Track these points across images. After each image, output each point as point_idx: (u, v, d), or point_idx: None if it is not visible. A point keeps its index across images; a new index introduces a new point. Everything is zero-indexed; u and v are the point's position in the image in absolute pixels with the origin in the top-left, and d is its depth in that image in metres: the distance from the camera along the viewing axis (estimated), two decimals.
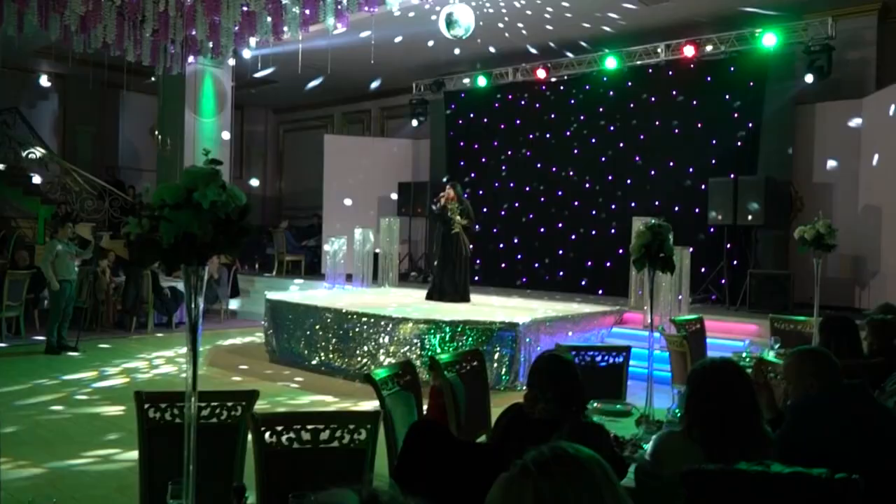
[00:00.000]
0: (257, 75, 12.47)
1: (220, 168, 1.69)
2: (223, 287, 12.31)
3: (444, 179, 9.55)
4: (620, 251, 9.91)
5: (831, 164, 9.75)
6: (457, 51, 11.45)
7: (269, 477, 2.57)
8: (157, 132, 13.64)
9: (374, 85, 14.62)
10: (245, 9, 8.74)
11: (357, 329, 7.83)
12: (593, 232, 11.55)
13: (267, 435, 2.56)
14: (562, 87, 12.11)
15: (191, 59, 11.39)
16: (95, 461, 5.03)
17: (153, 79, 11.34)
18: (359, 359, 7.74)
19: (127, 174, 15.24)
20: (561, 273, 11.85)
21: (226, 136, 13.38)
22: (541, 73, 11.92)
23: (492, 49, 11.99)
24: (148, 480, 2.82)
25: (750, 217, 9.28)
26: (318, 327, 8.23)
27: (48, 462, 4.90)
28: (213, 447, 2.85)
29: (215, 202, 1.62)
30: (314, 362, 8.21)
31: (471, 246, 9.57)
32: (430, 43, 11.31)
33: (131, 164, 15.47)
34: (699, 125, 10.61)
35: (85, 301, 10.52)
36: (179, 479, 1.93)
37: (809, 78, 9.45)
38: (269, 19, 9.07)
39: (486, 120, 13.00)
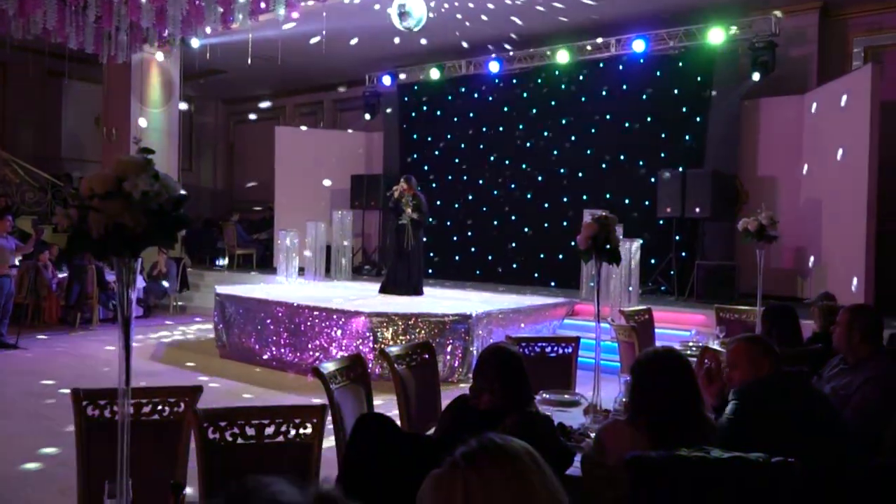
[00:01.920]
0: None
1: (152, 157, 1.63)
2: (172, 281, 12.06)
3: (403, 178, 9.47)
4: (572, 244, 10.00)
5: (775, 157, 10.00)
6: (409, 42, 11.38)
7: (213, 474, 2.52)
8: (101, 122, 13.26)
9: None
10: None
11: (309, 323, 7.75)
12: (546, 225, 11.64)
13: (210, 431, 2.50)
14: (514, 81, 12.16)
15: (146, 51, 11.09)
16: (36, 462, 4.87)
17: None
18: (311, 353, 7.67)
19: (70, 165, 14.78)
20: (514, 265, 11.92)
21: (174, 126, 13.09)
22: (493, 67, 11.93)
23: (445, 41, 11.95)
24: (87, 480, 2.74)
25: (697, 210, 9.46)
26: (269, 322, 8.12)
27: None
28: (155, 444, 2.79)
29: (147, 192, 1.56)
30: (265, 357, 8.11)
31: (424, 239, 9.55)
32: (385, 35, 11.21)
33: (75, 155, 15.00)
34: (649, 119, 10.78)
35: (26, 297, 10.19)
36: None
37: (755, 75, 9.69)
38: (218, 7, 8.89)
39: (439, 113, 12.98)
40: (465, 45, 12.10)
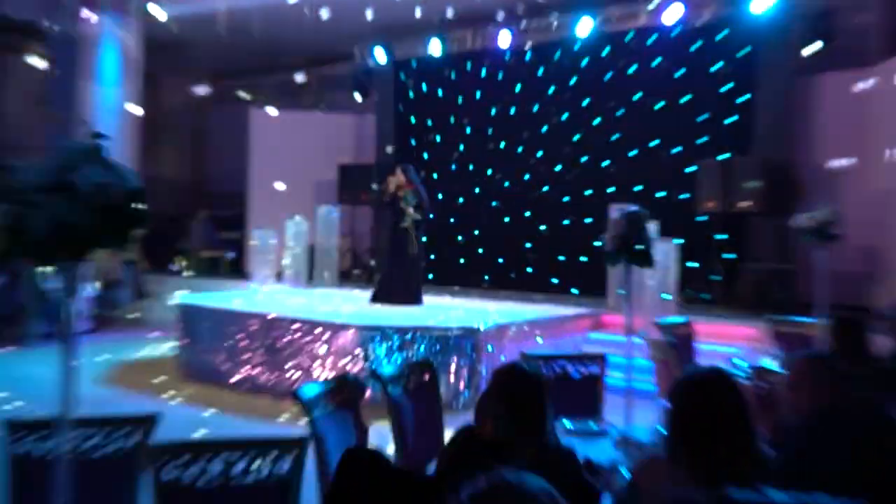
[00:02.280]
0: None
1: (103, 143, 1.60)
2: (125, 290, 12.05)
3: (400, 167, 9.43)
4: (597, 244, 9.98)
5: (837, 142, 9.94)
6: (414, 12, 11.36)
7: None
8: (44, 104, 13.26)
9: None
10: None
11: (288, 338, 7.74)
12: (565, 222, 11.66)
13: (167, 469, 2.46)
14: (528, 56, 12.17)
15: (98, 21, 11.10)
16: None
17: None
18: (290, 374, 7.66)
19: (9, 154, 14.77)
20: (529, 270, 11.94)
21: (133, 108, 13.10)
22: (504, 39, 11.94)
23: (448, 10, 11.93)
24: None
25: (746, 203, 9.42)
26: (240, 337, 8.11)
27: None
28: (102, 484, 2.76)
29: (97, 184, 1.53)
30: (236, 378, 8.09)
31: (424, 239, 9.53)
32: (377, 1, 11.21)
33: (14, 141, 15.00)
34: (685, 99, 10.76)
35: None
36: None
37: (811, 46, 9.63)
38: None
39: (441, 92, 13.02)
40: (471, 14, 12.04)
